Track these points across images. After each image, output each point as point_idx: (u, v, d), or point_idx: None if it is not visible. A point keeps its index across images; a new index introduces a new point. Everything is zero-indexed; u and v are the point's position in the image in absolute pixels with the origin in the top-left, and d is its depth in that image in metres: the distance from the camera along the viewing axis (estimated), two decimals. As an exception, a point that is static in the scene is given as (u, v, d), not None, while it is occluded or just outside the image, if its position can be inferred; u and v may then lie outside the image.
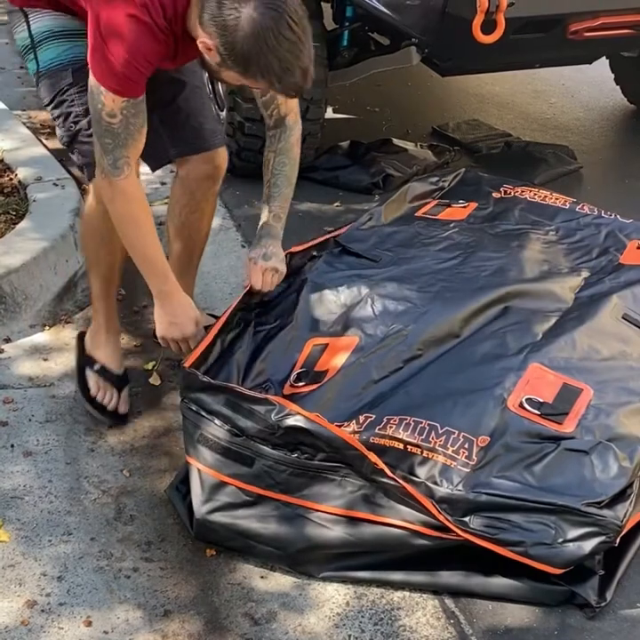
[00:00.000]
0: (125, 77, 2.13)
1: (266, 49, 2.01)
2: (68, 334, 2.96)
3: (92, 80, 2.17)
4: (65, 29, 2.39)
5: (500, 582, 2.04)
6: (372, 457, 2.01)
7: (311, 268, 2.64)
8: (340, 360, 2.31)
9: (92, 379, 2.63)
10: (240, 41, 2.01)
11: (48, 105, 2.46)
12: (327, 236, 2.81)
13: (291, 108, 2.46)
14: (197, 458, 2.16)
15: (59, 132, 2.50)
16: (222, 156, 2.62)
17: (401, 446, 2.09)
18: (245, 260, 2.52)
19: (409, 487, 2.00)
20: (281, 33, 2.01)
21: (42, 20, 2.39)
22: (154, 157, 2.57)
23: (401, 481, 2.01)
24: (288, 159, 2.48)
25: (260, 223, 2.48)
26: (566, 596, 2.04)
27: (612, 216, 2.94)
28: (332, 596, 2.09)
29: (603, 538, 1.95)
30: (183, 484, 2.24)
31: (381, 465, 2.01)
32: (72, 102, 2.41)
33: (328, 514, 2.06)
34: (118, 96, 2.15)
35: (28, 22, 2.40)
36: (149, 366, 2.81)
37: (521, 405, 2.14)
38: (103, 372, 2.63)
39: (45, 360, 2.83)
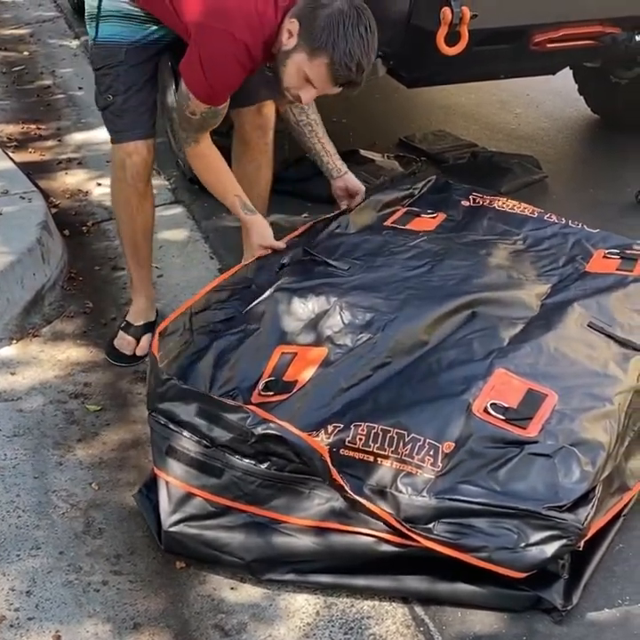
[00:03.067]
0: (212, 94, 2.56)
1: (341, 29, 2.39)
2: (35, 348, 2.95)
3: (183, 85, 2.57)
4: (131, 13, 2.68)
5: (466, 588, 2.05)
6: (334, 474, 2.02)
7: (279, 277, 2.64)
8: (309, 371, 2.32)
9: (117, 335, 2.99)
10: (323, 16, 2.41)
11: (96, 70, 2.77)
12: (307, 226, 2.98)
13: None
14: (166, 470, 2.16)
15: (96, 95, 2.81)
16: (269, 107, 2.96)
17: (371, 459, 2.10)
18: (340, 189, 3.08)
19: (367, 503, 2.02)
20: (357, 26, 2.41)
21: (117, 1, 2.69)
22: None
23: (358, 497, 2.02)
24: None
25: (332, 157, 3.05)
26: (533, 602, 2.05)
27: (579, 225, 2.97)
28: (302, 605, 2.10)
29: (564, 541, 1.96)
30: (152, 492, 2.23)
31: (340, 482, 2.02)
32: (117, 77, 2.73)
33: (296, 525, 2.07)
34: (203, 103, 2.56)
35: None
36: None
37: (486, 410, 2.15)
38: (127, 328, 2.99)
39: (13, 374, 2.82)
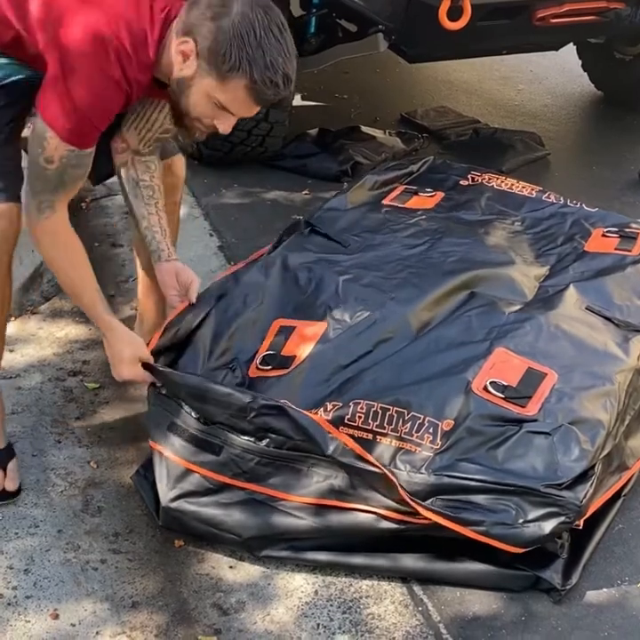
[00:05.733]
0: (77, 124, 2.01)
1: (253, 40, 1.92)
2: (33, 325, 2.94)
3: (39, 121, 2.03)
4: None
5: (465, 568, 2.05)
6: (347, 441, 2.02)
7: (280, 249, 2.63)
8: (307, 346, 2.31)
9: None
10: (225, 28, 1.93)
11: None
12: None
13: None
14: (164, 444, 2.16)
15: None
16: (179, 163, 2.54)
17: (370, 437, 2.09)
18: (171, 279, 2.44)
19: (385, 471, 2.00)
20: (271, 29, 1.94)
21: None
22: (96, 171, 2.28)
23: (379, 465, 2.01)
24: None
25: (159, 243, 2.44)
26: (531, 582, 2.05)
27: (578, 205, 2.95)
28: (301, 584, 2.09)
29: (562, 518, 1.96)
30: (150, 472, 2.23)
31: (357, 448, 2.01)
32: None
33: (294, 503, 2.07)
34: (64, 143, 2.02)
35: None
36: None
37: (485, 388, 2.15)
38: None
39: (11, 351, 2.81)
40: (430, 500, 2.01)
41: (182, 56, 1.98)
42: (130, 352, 2.21)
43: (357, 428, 2.10)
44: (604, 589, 2.09)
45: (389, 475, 2.00)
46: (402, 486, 2.00)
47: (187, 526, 2.15)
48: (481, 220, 2.84)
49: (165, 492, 2.14)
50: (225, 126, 2.07)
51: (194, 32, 1.96)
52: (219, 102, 2.01)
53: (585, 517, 2.03)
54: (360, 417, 2.11)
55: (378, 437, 2.09)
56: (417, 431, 2.08)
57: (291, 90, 2.01)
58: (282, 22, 1.97)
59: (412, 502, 1.98)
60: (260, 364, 2.29)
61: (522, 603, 2.05)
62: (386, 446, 2.09)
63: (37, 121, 2.04)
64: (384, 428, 2.10)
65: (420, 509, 1.98)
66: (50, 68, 2.01)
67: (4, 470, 2.30)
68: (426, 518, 1.98)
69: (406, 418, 2.10)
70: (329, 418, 2.12)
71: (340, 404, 2.14)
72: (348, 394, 2.18)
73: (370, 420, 2.11)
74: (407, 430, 2.09)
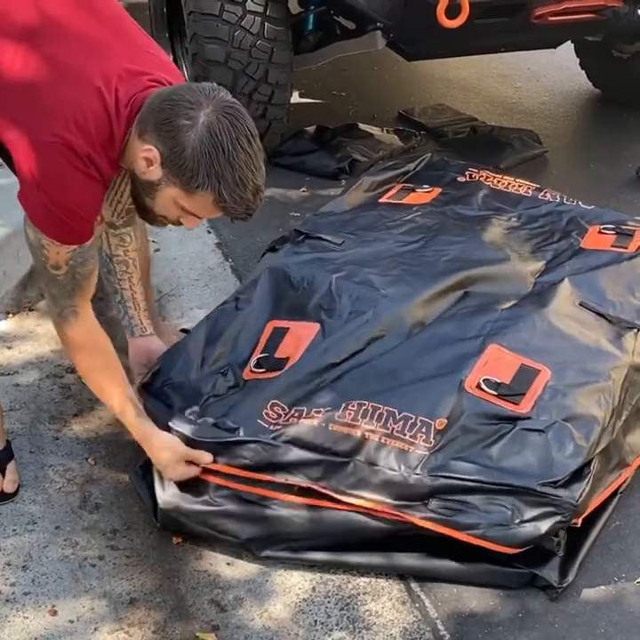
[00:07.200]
0: (71, 228, 1.94)
1: (221, 156, 1.81)
2: (31, 322, 2.93)
3: (31, 229, 1.96)
4: None
5: (461, 566, 2.06)
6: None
7: (272, 255, 2.65)
8: (301, 347, 2.30)
9: None
10: (191, 143, 1.81)
11: None
12: None
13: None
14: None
15: None
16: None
17: (359, 434, 2.08)
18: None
19: (355, 500, 2.03)
20: (238, 141, 1.83)
21: None
22: None
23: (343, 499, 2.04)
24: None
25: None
26: (528, 579, 2.05)
27: (574, 202, 2.95)
28: (298, 581, 2.10)
29: (559, 517, 1.96)
30: (149, 472, 2.23)
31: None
32: None
33: (286, 502, 2.07)
34: (64, 246, 1.96)
35: None
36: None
37: (478, 386, 2.14)
38: None
39: (9, 348, 2.81)
40: (426, 501, 2.01)
41: (146, 162, 1.88)
42: (168, 456, 2.11)
43: (346, 424, 2.09)
44: (601, 586, 2.09)
45: (373, 504, 2.02)
46: (391, 506, 2.01)
47: (185, 527, 2.16)
48: (477, 216, 2.84)
49: (162, 495, 2.14)
50: (191, 224, 1.99)
51: (157, 141, 1.85)
52: (185, 208, 1.92)
53: (584, 516, 2.03)
54: (350, 414, 2.10)
55: (367, 434, 2.08)
56: (409, 430, 2.07)
57: (261, 200, 1.91)
58: (250, 130, 1.86)
59: (405, 516, 1.99)
60: (254, 366, 2.29)
61: (519, 600, 2.05)
62: (375, 443, 2.07)
63: (29, 227, 1.97)
64: (373, 425, 2.08)
65: (415, 520, 1.99)
66: (21, 170, 1.91)
67: (3, 472, 2.29)
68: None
69: (398, 417, 2.09)
70: (320, 416, 2.11)
71: (331, 401, 2.14)
72: (339, 392, 2.17)
73: (359, 417, 2.10)
74: (399, 428, 2.08)
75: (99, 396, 2.20)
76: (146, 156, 1.87)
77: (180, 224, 1.99)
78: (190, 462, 2.10)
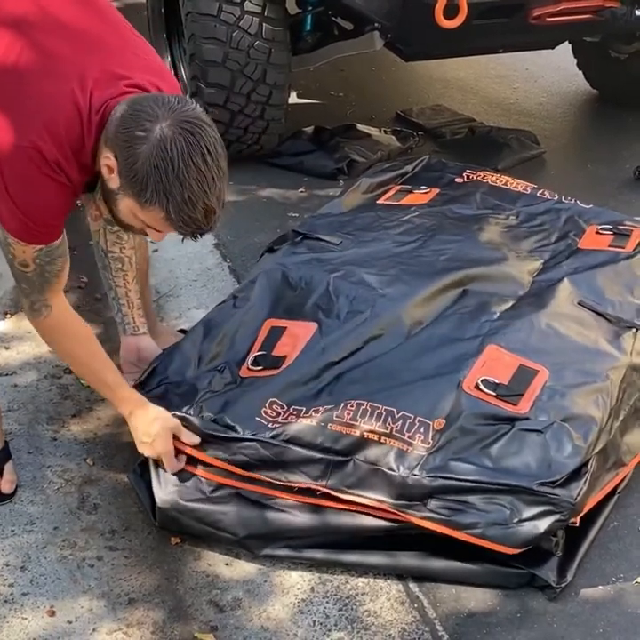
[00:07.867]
0: (32, 225, 1.94)
1: (170, 172, 1.77)
2: (29, 323, 2.92)
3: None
4: None
5: (460, 566, 2.05)
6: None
7: (270, 257, 2.65)
8: (298, 346, 2.31)
9: None
10: (143, 156, 1.79)
11: None
12: None
13: None
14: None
15: None
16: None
17: (357, 433, 2.08)
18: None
19: (354, 497, 2.04)
20: (191, 158, 1.78)
21: None
22: None
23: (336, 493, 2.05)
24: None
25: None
26: (526, 580, 2.05)
27: (572, 201, 2.95)
28: (297, 581, 2.10)
29: (557, 516, 1.97)
30: (146, 471, 2.23)
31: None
32: None
33: (287, 500, 2.07)
34: (30, 245, 1.96)
35: None
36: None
37: (477, 387, 2.15)
38: None
39: (7, 348, 2.81)
40: (425, 501, 2.01)
41: (107, 169, 1.87)
42: (159, 426, 2.11)
43: (345, 424, 2.09)
44: (600, 586, 2.09)
45: (372, 502, 2.02)
46: (390, 505, 2.01)
47: (183, 526, 2.15)
48: (475, 215, 2.84)
49: (160, 493, 2.14)
50: (156, 238, 1.99)
51: (115, 150, 1.84)
52: (143, 221, 1.91)
53: (581, 514, 2.03)
54: (349, 414, 2.10)
55: (365, 434, 2.08)
56: (408, 430, 2.08)
57: (216, 221, 1.86)
58: (207, 147, 1.80)
59: (404, 515, 2.00)
60: (251, 364, 2.29)
61: (517, 600, 2.05)
62: (374, 443, 2.07)
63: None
64: (372, 425, 2.08)
65: (414, 520, 1.99)
66: None
67: (1, 473, 2.29)
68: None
69: (396, 417, 2.09)
70: (319, 416, 2.11)
71: (331, 402, 2.14)
72: (338, 392, 2.18)
73: (358, 417, 2.10)
74: (398, 428, 2.08)
75: (89, 379, 2.26)
76: (107, 164, 1.87)
77: (147, 234, 1.98)
78: (178, 451, 2.11)
